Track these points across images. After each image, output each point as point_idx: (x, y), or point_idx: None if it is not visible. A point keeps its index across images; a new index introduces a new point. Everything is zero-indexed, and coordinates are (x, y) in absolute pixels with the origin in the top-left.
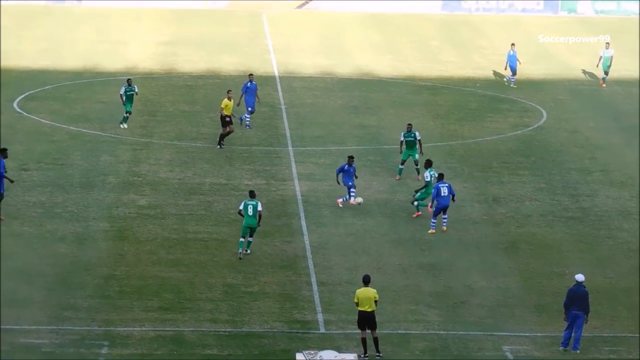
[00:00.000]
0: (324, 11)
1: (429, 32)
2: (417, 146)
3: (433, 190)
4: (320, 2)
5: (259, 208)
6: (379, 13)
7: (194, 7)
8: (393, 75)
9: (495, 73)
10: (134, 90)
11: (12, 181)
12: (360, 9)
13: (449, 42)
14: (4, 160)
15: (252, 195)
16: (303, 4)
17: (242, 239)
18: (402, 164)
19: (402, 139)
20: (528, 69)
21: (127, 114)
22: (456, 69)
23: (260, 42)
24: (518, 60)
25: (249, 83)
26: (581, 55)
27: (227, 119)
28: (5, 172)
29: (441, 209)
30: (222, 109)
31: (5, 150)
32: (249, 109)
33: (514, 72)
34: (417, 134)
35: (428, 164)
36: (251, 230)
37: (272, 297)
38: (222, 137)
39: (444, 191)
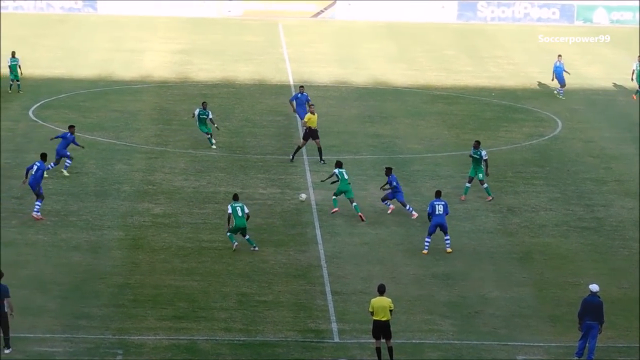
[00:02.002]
0: (339, 20)
1: (444, 41)
2: (482, 166)
3: (428, 208)
4: (336, 12)
5: (246, 210)
6: (394, 22)
7: (209, 16)
8: (408, 84)
9: (540, 84)
10: (207, 115)
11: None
12: (375, 19)
13: (464, 52)
14: (44, 163)
15: (236, 198)
16: (318, 13)
17: (229, 234)
18: (468, 181)
19: (470, 154)
20: (543, 79)
21: (208, 135)
22: (471, 79)
23: (275, 51)
24: (566, 71)
25: (299, 94)
26: (596, 65)
27: (306, 131)
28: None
29: (436, 227)
30: (305, 122)
31: (45, 155)
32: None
33: (562, 84)
34: (483, 152)
35: (338, 165)
36: (242, 230)
37: (286, 306)
38: (298, 149)
39: (439, 209)
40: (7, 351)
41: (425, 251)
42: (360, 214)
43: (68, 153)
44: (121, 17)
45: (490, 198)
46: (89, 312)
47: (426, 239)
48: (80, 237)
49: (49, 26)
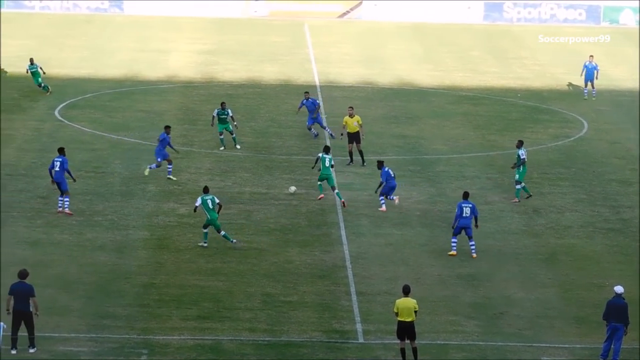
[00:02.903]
0: (365, 21)
1: (470, 42)
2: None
3: (457, 210)
4: (362, 12)
5: (217, 200)
6: (420, 23)
7: (235, 17)
8: (433, 85)
9: (571, 85)
10: (227, 114)
11: (74, 180)
12: (401, 19)
13: (490, 52)
14: (66, 158)
15: (206, 190)
16: (344, 14)
17: (206, 230)
18: (517, 183)
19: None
20: (569, 80)
21: (232, 135)
22: (497, 79)
23: (301, 52)
24: (597, 71)
25: (305, 100)
26: (622, 66)
27: (341, 135)
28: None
29: (461, 229)
30: (344, 126)
31: (63, 149)
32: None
33: (592, 84)
34: (520, 152)
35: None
36: (215, 225)
37: (310, 306)
38: (350, 153)
39: (467, 211)
40: (31, 350)
41: (453, 252)
42: (342, 200)
43: (166, 157)
44: (147, 18)
45: (517, 200)
46: (113, 312)
47: (452, 240)
48: (105, 236)
49: (75, 26)
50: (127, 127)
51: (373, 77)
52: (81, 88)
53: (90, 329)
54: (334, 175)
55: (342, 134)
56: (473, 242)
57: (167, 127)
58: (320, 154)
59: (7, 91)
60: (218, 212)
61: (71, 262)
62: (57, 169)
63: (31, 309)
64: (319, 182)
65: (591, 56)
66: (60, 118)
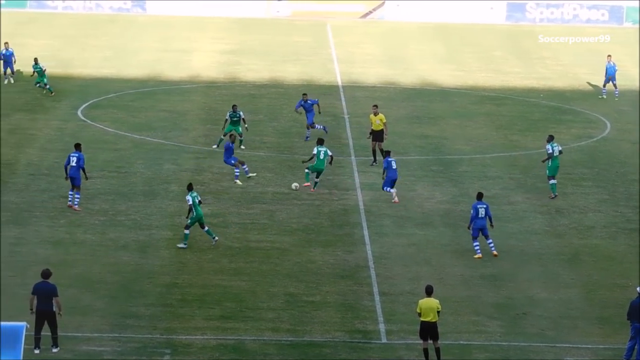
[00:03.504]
0: (387, 21)
1: (493, 42)
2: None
3: (472, 211)
4: (384, 12)
5: (199, 198)
6: (442, 23)
7: (257, 17)
8: (456, 85)
9: (592, 85)
10: (239, 116)
11: (86, 178)
12: (424, 19)
13: (513, 53)
14: (83, 155)
15: (190, 188)
16: (367, 14)
17: (187, 231)
18: (548, 178)
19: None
20: (592, 80)
21: (240, 136)
22: (519, 80)
23: (323, 52)
24: (615, 70)
25: (303, 102)
26: None
27: (369, 134)
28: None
29: (479, 230)
30: (372, 124)
31: (79, 145)
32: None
33: (614, 84)
34: (547, 147)
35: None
36: (200, 221)
37: (333, 306)
38: (373, 152)
39: (482, 212)
40: (54, 350)
41: (479, 255)
42: (313, 188)
43: (232, 162)
44: (170, 17)
45: (552, 195)
46: (136, 312)
47: (475, 244)
48: (128, 236)
49: (98, 26)
50: (150, 127)
51: (395, 77)
52: (104, 88)
53: (113, 328)
54: (329, 167)
55: (370, 133)
56: (491, 241)
57: (232, 136)
58: (314, 149)
59: (31, 91)
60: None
61: (94, 261)
62: (73, 164)
63: (54, 309)
64: (307, 170)
65: (609, 56)
66: (83, 118)
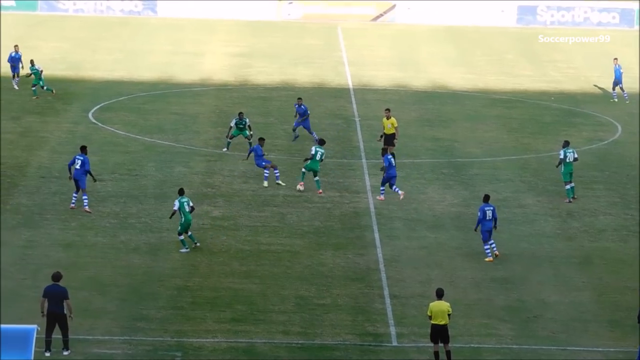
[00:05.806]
0: (398, 24)
1: (504, 45)
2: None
3: (479, 213)
4: (395, 15)
5: (191, 204)
6: (453, 26)
7: (268, 19)
8: (467, 88)
9: (602, 88)
10: (244, 123)
11: (95, 180)
12: (435, 22)
13: (524, 56)
14: (88, 158)
15: (181, 193)
16: (378, 17)
17: (182, 237)
18: (565, 184)
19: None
20: (602, 83)
21: (248, 139)
22: (530, 83)
23: (334, 55)
24: (621, 73)
25: (296, 105)
26: None
27: (380, 137)
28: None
29: (488, 232)
30: (383, 127)
31: (85, 147)
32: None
33: (621, 87)
34: (560, 152)
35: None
36: (188, 226)
37: (344, 309)
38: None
39: (489, 215)
40: (65, 353)
41: (490, 258)
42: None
43: (263, 163)
44: (181, 20)
45: (567, 200)
46: (147, 314)
47: (485, 247)
48: (139, 239)
49: (109, 29)
50: (161, 129)
51: (406, 80)
52: (115, 90)
53: (124, 331)
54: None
55: (381, 136)
56: (492, 241)
57: (261, 140)
58: (312, 149)
59: (42, 94)
60: (190, 212)
61: (105, 264)
62: (77, 166)
63: (65, 312)
64: (303, 170)
65: (615, 59)
66: (94, 121)
